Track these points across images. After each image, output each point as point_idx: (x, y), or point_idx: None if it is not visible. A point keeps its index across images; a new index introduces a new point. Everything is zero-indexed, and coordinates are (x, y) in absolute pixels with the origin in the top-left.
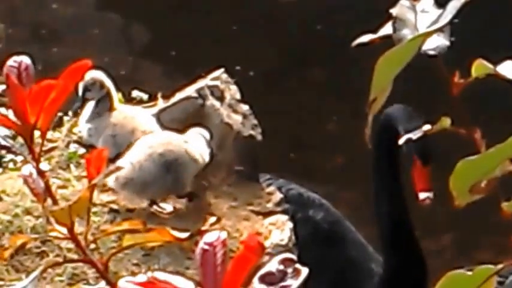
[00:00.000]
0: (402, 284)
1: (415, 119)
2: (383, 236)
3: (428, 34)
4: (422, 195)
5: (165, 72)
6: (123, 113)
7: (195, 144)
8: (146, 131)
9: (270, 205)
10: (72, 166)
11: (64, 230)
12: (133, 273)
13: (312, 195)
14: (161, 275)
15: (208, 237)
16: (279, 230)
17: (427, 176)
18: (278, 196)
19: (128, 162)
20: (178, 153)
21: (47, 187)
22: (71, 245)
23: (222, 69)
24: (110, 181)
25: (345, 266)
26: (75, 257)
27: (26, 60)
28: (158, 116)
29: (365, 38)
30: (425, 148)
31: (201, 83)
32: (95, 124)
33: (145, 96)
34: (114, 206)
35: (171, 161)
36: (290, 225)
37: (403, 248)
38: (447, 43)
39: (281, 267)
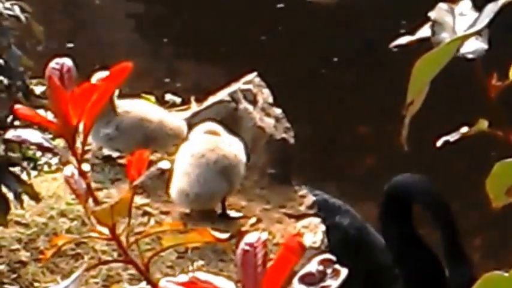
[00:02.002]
0: (419, 282)
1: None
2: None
3: (465, 37)
4: None
5: (198, 76)
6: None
7: (236, 145)
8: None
9: (302, 208)
10: (106, 169)
11: (106, 231)
12: (167, 275)
13: (337, 201)
14: (202, 275)
15: (249, 238)
16: (311, 233)
17: None
18: (310, 199)
19: (186, 175)
20: (230, 158)
21: (89, 188)
22: (106, 247)
23: (255, 73)
24: (175, 197)
25: (374, 271)
26: (110, 259)
27: (68, 62)
28: (191, 120)
29: (403, 40)
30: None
31: (234, 87)
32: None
33: (178, 100)
34: (148, 209)
35: (226, 166)
36: (323, 228)
37: (413, 253)
38: (485, 46)
39: (320, 267)
